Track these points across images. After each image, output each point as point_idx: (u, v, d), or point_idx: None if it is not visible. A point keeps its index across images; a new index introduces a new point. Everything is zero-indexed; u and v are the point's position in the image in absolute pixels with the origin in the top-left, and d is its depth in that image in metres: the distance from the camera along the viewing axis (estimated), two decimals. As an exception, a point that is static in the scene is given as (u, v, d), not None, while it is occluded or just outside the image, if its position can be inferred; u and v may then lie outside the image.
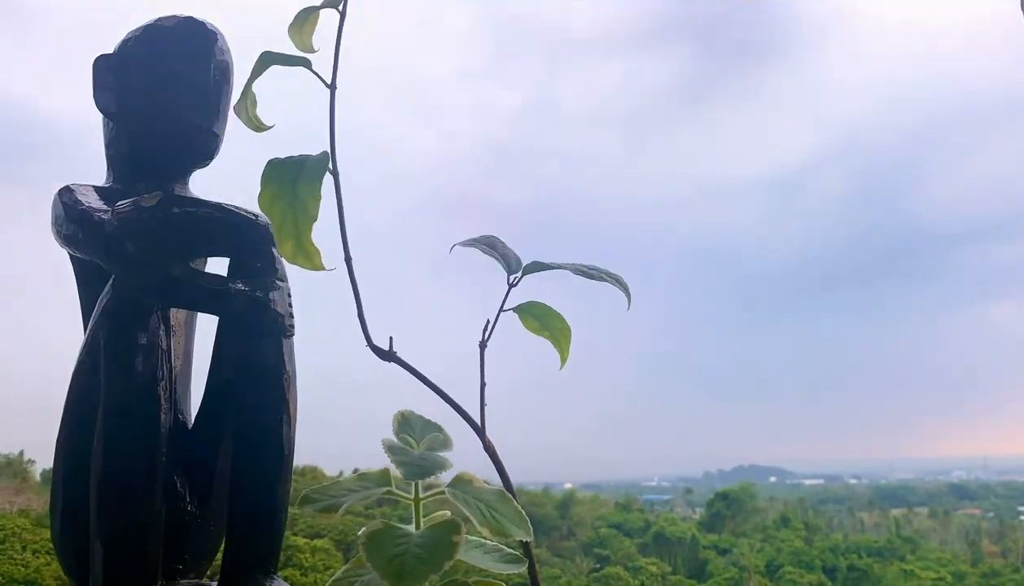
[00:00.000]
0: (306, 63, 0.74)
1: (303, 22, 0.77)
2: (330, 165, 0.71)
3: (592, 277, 0.80)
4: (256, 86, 0.77)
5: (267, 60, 0.74)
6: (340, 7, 0.73)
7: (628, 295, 0.82)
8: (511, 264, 0.80)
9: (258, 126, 0.79)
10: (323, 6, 0.75)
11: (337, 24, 0.72)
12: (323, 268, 0.73)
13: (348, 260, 0.72)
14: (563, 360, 0.85)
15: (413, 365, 0.75)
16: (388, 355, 0.74)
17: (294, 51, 0.76)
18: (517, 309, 0.82)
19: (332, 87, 0.72)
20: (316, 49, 0.76)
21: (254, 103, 0.79)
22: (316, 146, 0.72)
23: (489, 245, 0.81)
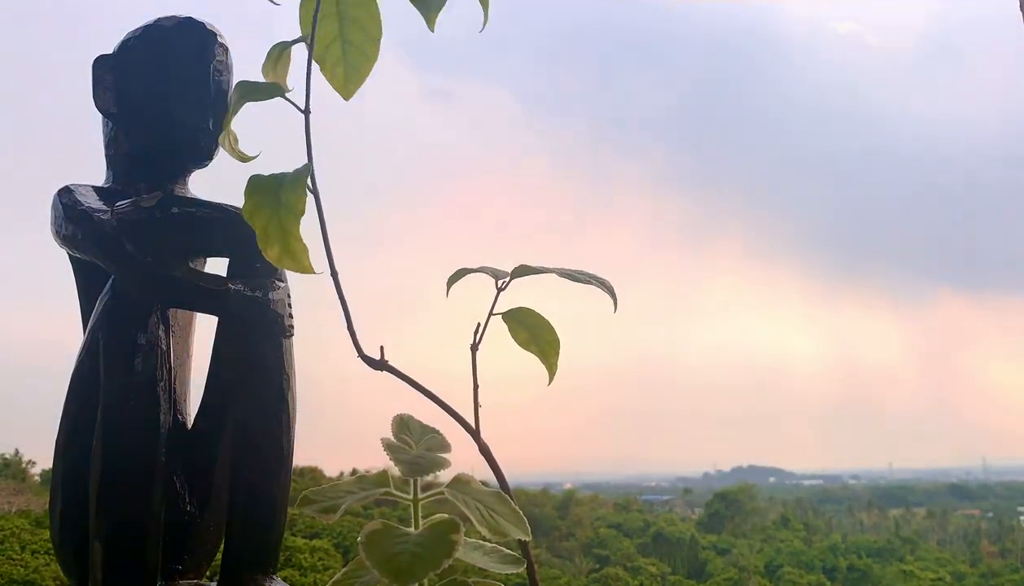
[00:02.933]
0: (280, 92, 0.75)
1: (276, 60, 0.78)
2: (310, 184, 0.72)
3: (579, 280, 0.81)
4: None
5: (243, 93, 0.76)
6: (310, 39, 0.74)
7: (614, 299, 0.82)
8: (498, 274, 0.81)
9: (242, 157, 0.81)
10: (294, 42, 0.77)
11: (307, 53, 0.74)
12: (312, 270, 0.73)
13: (334, 274, 0.73)
14: (551, 376, 0.84)
15: (407, 370, 0.75)
16: (379, 364, 0.75)
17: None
18: (506, 315, 0.82)
19: (306, 112, 0.73)
20: (291, 88, 0.77)
21: (236, 139, 0.80)
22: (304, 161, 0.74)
23: (480, 270, 0.82)
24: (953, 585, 27.51)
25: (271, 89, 0.76)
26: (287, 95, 0.75)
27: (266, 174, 0.74)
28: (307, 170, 0.72)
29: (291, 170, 0.73)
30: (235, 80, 1.55)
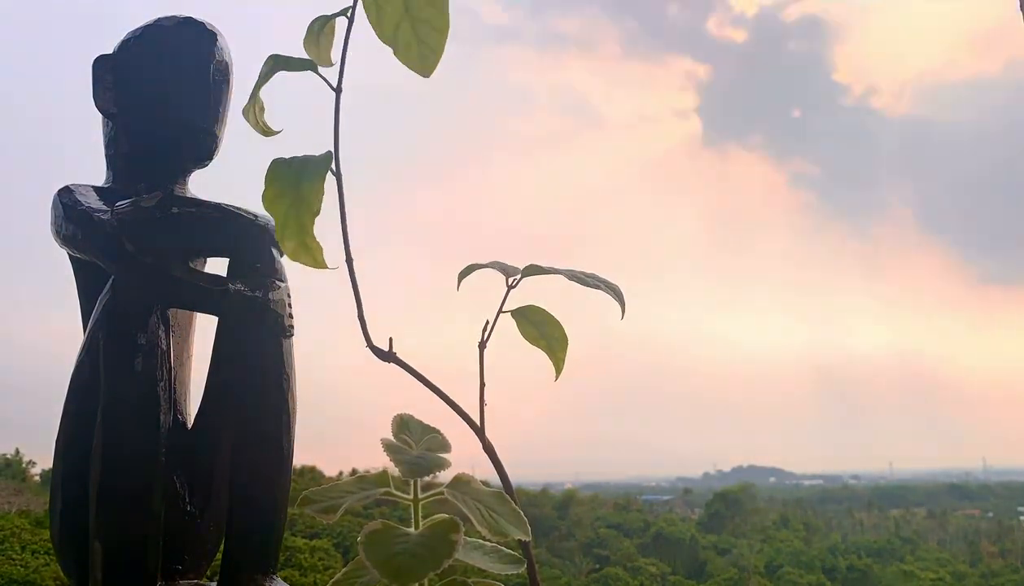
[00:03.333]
0: (312, 66, 0.73)
1: (319, 33, 0.75)
2: (333, 166, 0.71)
3: (588, 285, 0.81)
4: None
5: (275, 64, 0.74)
6: (349, 13, 0.72)
7: (623, 305, 0.82)
8: (509, 271, 0.80)
9: (265, 131, 0.79)
10: (337, 14, 0.74)
11: (345, 28, 0.72)
12: (326, 266, 0.73)
13: (349, 260, 0.72)
14: (558, 371, 0.85)
15: (413, 365, 0.75)
16: (387, 356, 0.74)
17: (300, 54, 0.76)
18: (515, 313, 0.82)
19: (338, 90, 0.71)
20: (333, 62, 0.74)
21: (262, 109, 0.78)
22: (319, 147, 0.72)
23: (491, 265, 0.81)
24: (953, 585, 27.50)
25: (303, 62, 0.74)
26: (321, 71, 0.73)
27: (289, 158, 0.72)
28: (329, 158, 0.71)
29: (314, 154, 0.71)
30: (235, 80, 1.55)
